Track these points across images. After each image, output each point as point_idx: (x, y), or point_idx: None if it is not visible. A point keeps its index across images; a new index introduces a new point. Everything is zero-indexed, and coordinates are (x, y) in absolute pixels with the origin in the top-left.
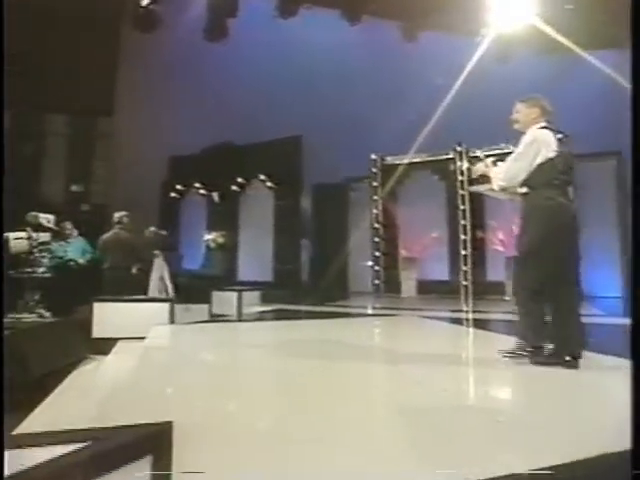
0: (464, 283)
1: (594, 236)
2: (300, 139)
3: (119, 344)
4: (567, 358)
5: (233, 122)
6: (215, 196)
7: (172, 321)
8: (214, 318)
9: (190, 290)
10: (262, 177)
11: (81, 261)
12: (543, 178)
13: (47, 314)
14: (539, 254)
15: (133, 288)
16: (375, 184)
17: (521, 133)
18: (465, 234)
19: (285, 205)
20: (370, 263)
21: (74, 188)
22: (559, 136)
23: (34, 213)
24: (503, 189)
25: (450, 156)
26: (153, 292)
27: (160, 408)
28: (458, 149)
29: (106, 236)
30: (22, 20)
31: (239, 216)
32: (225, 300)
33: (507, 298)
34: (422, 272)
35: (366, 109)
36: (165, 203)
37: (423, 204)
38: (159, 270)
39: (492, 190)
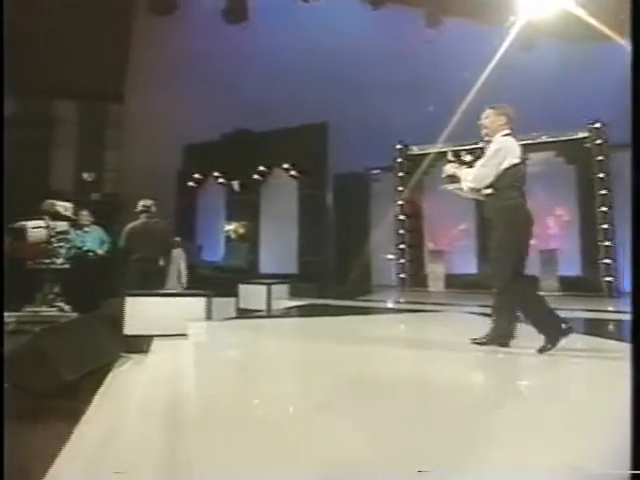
0: None
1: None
2: (326, 126)
3: (156, 342)
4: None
5: (253, 108)
6: (235, 185)
7: (209, 317)
8: (243, 313)
9: (213, 283)
10: (286, 165)
11: (99, 252)
12: (507, 181)
13: (67, 307)
14: (504, 248)
15: (161, 281)
16: (400, 174)
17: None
18: None
19: (310, 195)
20: (390, 256)
21: (85, 176)
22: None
23: (51, 201)
24: (471, 189)
25: (479, 146)
26: (171, 285)
27: (239, 419)
28: (486, 138)
29: (133, 225)
30: (33, 2)
31: (260, 206)
32: (252, 294)
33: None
34: (449, 265)
35: (389, 96)
36: (182, 192)
37: (450, 195)
38: (177, 261)
39: (460, 190)
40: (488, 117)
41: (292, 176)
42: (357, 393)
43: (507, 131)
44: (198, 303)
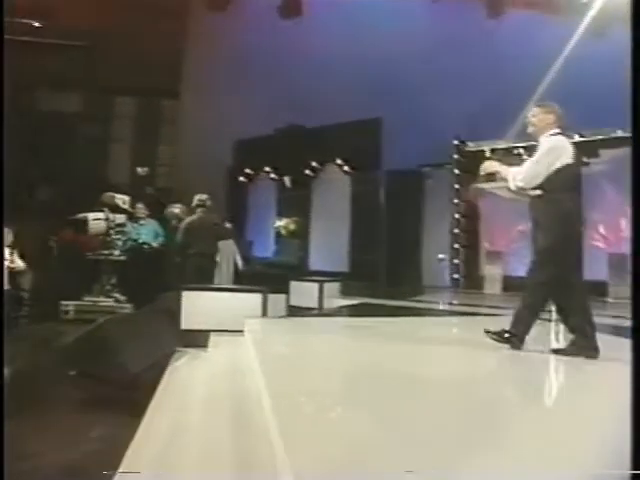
0: None
1: None
2: (380, 121)
3: (213, 337)
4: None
5: (306, 103)
6: (287, 181)
7: (265, 313)
8: (293, 311)
9: (263, 279)
10: (339, 161)
11: (154, 244)
12: (558, 183)
13: (122, 298)
14: (554, 253)
15: (217, 276)
16: (456, 172)
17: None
18: None
19: (363, 191)
20: (441, 256)
21: (139, 171)
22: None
23: (110, 193)
24: (518, 189)
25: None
26: (223, 279)
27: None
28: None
29: (190, 219)
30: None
31: (312, 202)
32: (304, 291)
33: (610, 300)
34: (507, 267)
35: (447, 91)
36: (233, 188)
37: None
38: (226, 254)
39: (499, 189)
40: (536, 115)
41: (345, 172)
42: (420, 395)
43: (556, 130)
44: (253, 299)
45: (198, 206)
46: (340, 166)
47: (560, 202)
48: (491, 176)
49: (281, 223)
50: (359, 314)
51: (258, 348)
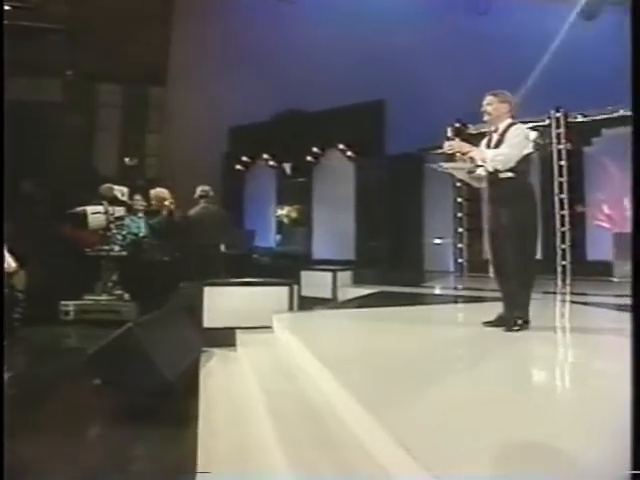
0: (563, 263)
1: None
2: (383, 104)
3: (239, 335)
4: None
5: (305, 87)
6: (287, 168)
7: (292, 307)
8: (306, 302)
9: (269, 269)
10: (341, 146)
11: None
12: (524, 167)
13: (126, 295)
14: (525, 233)
15: (225, 269)
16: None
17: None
18: (563, 209)
19: (368, 176)
20: (438, 240)
21: (127, 161)
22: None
23: (109, 185)
24: (495, 170)
25: (545, 123)
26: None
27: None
28: (556, 115)
29: (194, 211)
30: None
31: (313, 189)
32: (315, 281)
33: (615, 279)
34: None
35: (445, 74)
36: (230, 176)
37: None
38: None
39: (458, 169)
40: (491, 104)
41: (348, 157)
42: None
43: (510, 120)
44: (279, 292)
45: (201, 197)
46: (343, 151)
47: (527, 184)
48: (451, 155)
49: (283, 212)
50: (385, 304)
51: (305, 345)
